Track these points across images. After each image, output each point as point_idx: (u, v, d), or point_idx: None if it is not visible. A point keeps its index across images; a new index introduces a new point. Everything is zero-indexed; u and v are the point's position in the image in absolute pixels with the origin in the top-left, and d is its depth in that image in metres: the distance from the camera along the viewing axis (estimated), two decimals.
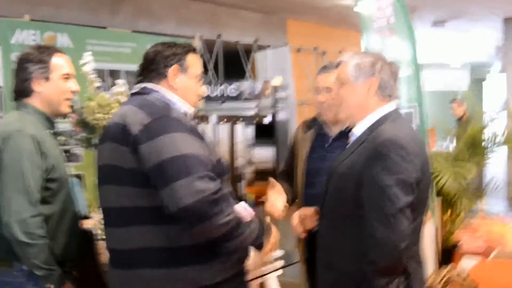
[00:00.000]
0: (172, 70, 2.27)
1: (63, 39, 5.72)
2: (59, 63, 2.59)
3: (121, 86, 3.38)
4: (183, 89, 2.30)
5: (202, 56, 5.41)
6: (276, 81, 7.37)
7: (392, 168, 2.07)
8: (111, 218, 2.19)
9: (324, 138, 3.06)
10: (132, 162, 2.04)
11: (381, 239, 2.04)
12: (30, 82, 2.54)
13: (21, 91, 2.57)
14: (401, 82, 5.63)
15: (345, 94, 2.31)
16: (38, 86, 2.54)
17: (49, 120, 2.59)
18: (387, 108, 2.27)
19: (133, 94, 2.31)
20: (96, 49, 5.77)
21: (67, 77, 2.60)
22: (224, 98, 7.03)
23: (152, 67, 2.28)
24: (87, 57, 3.34)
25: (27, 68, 2.54)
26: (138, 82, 2.32)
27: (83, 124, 3.30)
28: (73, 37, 5.78)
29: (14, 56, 5.27)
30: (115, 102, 3.30)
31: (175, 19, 7.68)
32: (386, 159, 2.08)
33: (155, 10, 7.52)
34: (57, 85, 2.57)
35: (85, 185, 4.97)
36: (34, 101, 2.56)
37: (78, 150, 5.62)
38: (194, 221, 1.95)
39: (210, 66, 7.94)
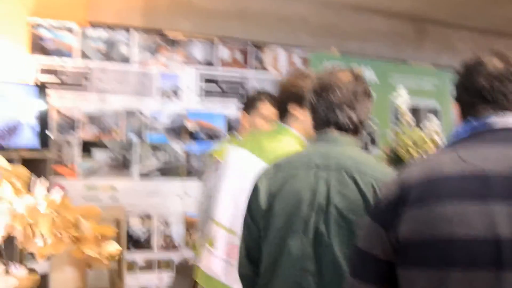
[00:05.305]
0: None
1: (368, 73, 5.89)
2: None
3: (436, 125, 3.27)
4: None
5: None
6: None
7: None
8: None
9: None
10: None
11: None
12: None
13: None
14: None
15: None
16: None
17: None
18: None
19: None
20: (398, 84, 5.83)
21: None
22: None
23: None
24: (402, 91, 3.32)
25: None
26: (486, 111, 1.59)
27: (395, 159, 3.30)
28: (376, 71, 5.96)
29: None
30: (429, 140, 3.24)
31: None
32: None
33: (457, 46, 7.36)
34: None
35: None
36: None
37: None
38: None
39: None
